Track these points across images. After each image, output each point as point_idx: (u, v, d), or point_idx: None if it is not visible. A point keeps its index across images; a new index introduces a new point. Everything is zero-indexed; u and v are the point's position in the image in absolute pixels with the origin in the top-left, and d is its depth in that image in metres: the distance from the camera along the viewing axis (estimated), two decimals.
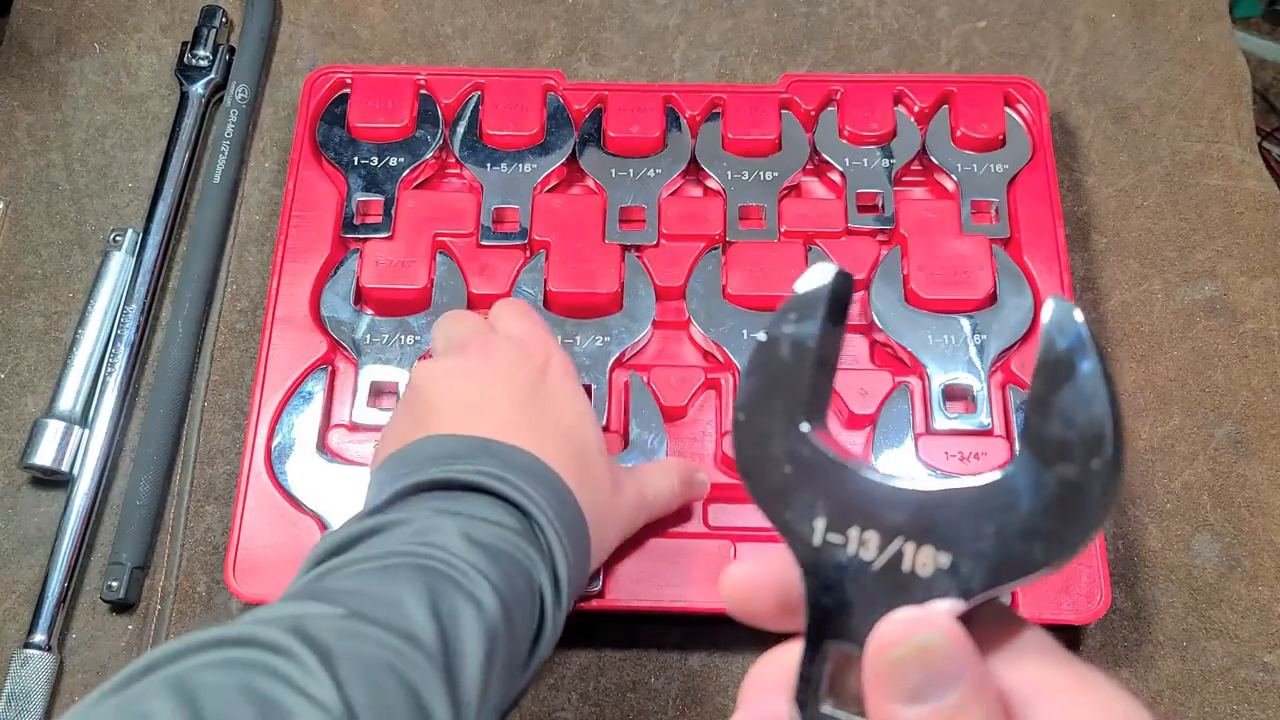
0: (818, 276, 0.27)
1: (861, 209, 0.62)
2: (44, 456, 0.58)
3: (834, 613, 0.25)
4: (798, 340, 0.26)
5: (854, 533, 0.25)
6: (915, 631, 0.23)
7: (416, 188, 0.63)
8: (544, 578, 0.41)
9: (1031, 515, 0.23)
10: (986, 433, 0.56)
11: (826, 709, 0.25)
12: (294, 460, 0.56)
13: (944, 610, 0.24)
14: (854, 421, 0.57)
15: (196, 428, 0.60)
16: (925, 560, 0.24)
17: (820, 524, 0.25)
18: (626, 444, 0.56)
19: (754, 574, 0.27)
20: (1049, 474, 0.23)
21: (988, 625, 0.24)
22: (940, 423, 0.56)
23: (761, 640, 0.28)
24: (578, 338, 0.58)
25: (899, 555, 0.24)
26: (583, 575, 0.46)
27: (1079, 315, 0.23)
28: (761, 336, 0.27)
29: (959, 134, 0.63)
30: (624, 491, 0.49)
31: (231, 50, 0.69)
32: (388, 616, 0.35)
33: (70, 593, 0.56)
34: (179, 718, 0.29)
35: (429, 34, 0.71)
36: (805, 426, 0.26)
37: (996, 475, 0.24)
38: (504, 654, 0.38)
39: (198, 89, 0.68)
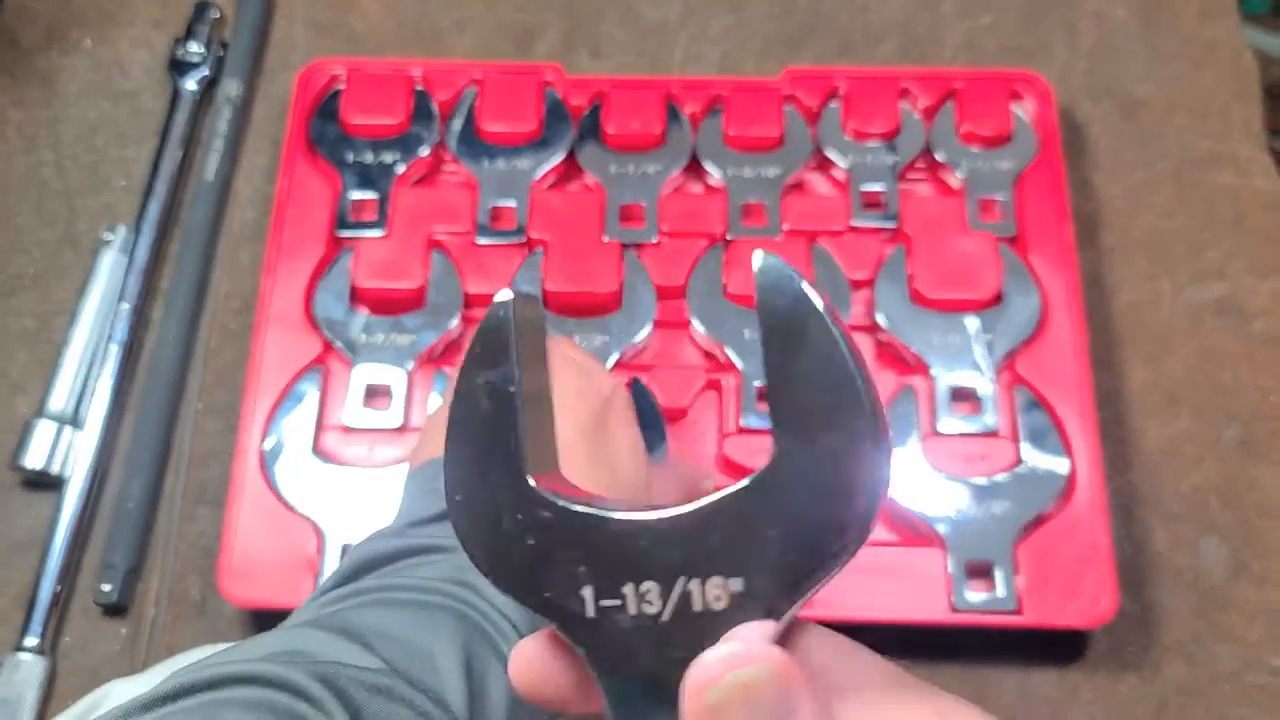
0: (497, 308, 0.23)
1: (865, 206, 0.61)
2: (35, 458, 0.57)
3: (635, 686, 0.21)
4: (495, 387, 0.22)
5: (629, 590, 0.21)
6: (732, 668, 0.20)
7: (412, 185, 0.62)
8: None
9: (811, 503, 0.20)
10: (992, 434, 0.55)
11: None
12: (288, 463, 0.55)
13: (757, 638, 0.20)
14: None
15: (189, 429, 0.59)
16: (716, 593, 0.21)
17: (589, 592, 0.21)
18: None
19: (546, 652, 0.22)
20: (814, 451, 0.20)
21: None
22: (946, 424, 0.56)
23: None
24: (576, 338, 0.57)
25: (686, 597, 0.21)
26: None
27: (793, 270, 0.20)
28: (448, 396, 0.23)
29: (964, 130, 0.62)
30: None
31: (224, 45, 0.69)
32: (421, 674, 0.34)
33: (63, 596, 0.56)
34: None
35: (425, 28, 0.70)
36: (531, 482, 0.22)
37: (751, 475, 0.21)
38: (525, 713, 0.37)
39: (190, 85, 0.67)
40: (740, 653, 0.20)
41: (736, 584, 0.21)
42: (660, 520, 0.21)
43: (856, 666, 0.21)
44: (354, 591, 0.38)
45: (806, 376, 0.20)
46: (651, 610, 0.21)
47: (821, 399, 0.20)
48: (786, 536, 0.20)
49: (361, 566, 0.39)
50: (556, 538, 0.21)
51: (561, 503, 0.22)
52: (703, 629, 0.21)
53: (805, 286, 0.20)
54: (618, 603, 0.21)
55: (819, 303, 0.20)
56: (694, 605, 0.21)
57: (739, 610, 0.21)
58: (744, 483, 0.21)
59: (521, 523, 0.22)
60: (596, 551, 0.21)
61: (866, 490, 0.20)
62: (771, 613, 0.21)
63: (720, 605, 0.21)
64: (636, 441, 0.48)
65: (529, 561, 0.22)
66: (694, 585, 0.21)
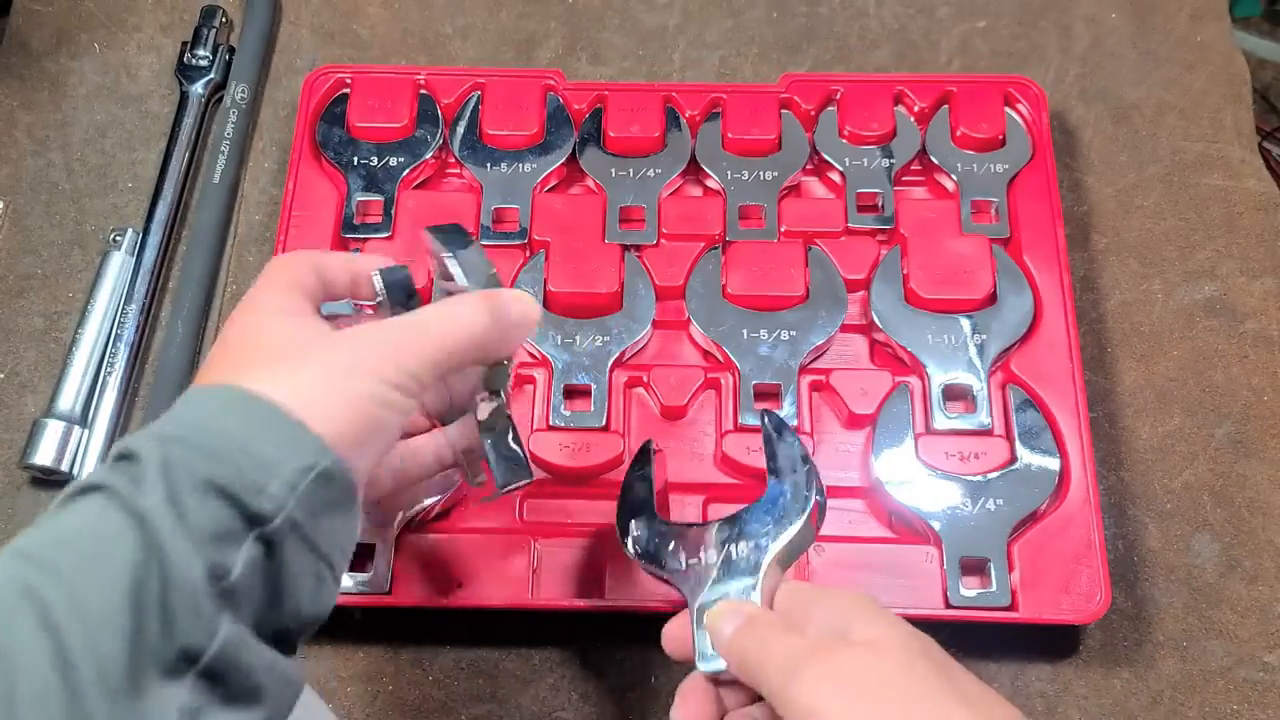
0: (647, 460, 0.52)
1: (861, 209, 0.62)
2: (44, 456, 0.58)
3: (704, 605, 0.44)
4: (645, 478, 0.50)
5: (697, 554, 0.45)
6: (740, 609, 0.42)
7: (416, 188, 0.63)
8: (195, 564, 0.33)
9: (788, 506, 0.45)
10: (986, 433, 0.56)
11: None
12: None
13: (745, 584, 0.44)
14: (854, 421, 0.57)
15: None
16: (745, 551, 0.44)
17: (682, 556, 0.45)
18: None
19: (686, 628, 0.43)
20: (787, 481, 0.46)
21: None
22: (940, 422, 0.56)
23: None
24: (577, 338, 0.58)
25: (729, 554, 0.44)
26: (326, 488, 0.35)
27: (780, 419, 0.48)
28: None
29: (959, 134, 0.63)
30: (340, 350, 0.37)
31: (231, 50, 0.69)
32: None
33: None
34: None
35: (429, 34, 0.71)
36: (659, 518, 0.48)
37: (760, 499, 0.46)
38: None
39: (197, 89, 0.68)
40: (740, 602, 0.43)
41: (748, 547, 0.44)
42: (705, 523, 0.46)
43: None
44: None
45: (786, 455, 0.47)
46: (711, 562, 0.44)
47: (792, 464, 0.46)
48: (776, 529, 0.45)
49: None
50: (669, 537, 0.46)
51: (668, 524, 0.47)
52: (740, 573, 0.43)
53: (784, 424, 0.48)
54: (696, 560, 0.45)
55: (789, 431, 0.48)
56: (734, 557, 0.44)
57: (746, 561, 0.44)
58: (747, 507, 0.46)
59: (654, 533, 0.47)
60: (684, 539, 0.46)
61: (805, 500, 0.45)
62: (755, 569, 0.43)
63: (745, 555, 0.44)
64: (272, 304, 0.40)
65: (656, 549, 0.46)
66: (731, 549, 0.44)
